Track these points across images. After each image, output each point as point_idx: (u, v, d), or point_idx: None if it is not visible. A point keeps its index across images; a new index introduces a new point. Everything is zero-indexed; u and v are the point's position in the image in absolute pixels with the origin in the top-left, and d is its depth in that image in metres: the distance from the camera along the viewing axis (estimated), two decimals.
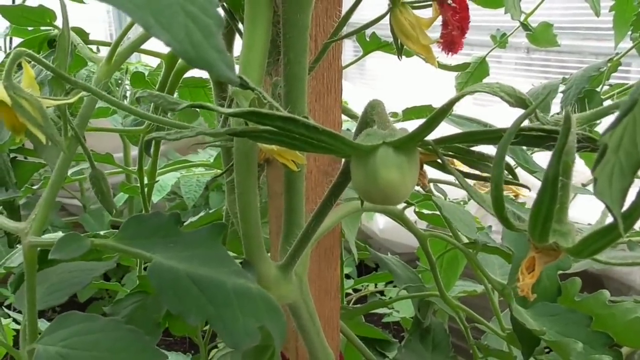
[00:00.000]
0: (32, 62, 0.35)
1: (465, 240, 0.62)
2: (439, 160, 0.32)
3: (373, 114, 0.33)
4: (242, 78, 0.33)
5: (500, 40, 0.97)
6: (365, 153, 0.30)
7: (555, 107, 0.90)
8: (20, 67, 0.34)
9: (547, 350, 0.54)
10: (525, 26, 0.87)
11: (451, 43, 0.38)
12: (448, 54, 0.38)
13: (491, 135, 0.27)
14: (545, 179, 0.23)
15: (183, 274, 0.33)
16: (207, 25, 0.20)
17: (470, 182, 0.37)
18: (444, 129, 0.31)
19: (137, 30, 0.49)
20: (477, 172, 0.33)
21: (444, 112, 0.28)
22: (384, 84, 2.70)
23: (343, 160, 0.35)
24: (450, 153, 0.32)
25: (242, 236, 0.39)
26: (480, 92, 0.30)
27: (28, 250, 0.37)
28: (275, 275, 0.41)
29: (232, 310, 0.32)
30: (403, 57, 0.66)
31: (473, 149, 0.32)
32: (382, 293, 1.36)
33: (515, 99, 0.27)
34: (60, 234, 0.70)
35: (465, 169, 0.33)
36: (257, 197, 0.40)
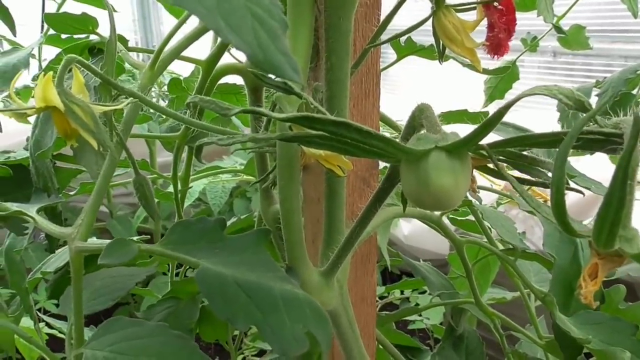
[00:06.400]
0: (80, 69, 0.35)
1: (500, 247, 0.61)
2: (489, 165, 0.32)
3: (422, 118, 0.33)
4: (286, 83, 0.33)
5: (531, 44, 0.96)
6: (416, 157, 0.29)
7: None
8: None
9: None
10: (558, 29, 0.86)
11: (498, 46, 0.37)
12: (494, 57, 0.38)
13: (549, 138, 0.27)
14: (613, 182, 0.22)
15: (231, 280, 0.33)
16: (273, 28, 0.20)
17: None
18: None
19: (175, 39, 0.49)
20: (528, 177, 0.32)
21: (500, 115, 0.27)
22: (406, 89, 2.69)
23: (388, 165, 0.35)
24: (501, 157, 0.31)
25: (285, 242, 0.39)
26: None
27: (75, 255, 0.37)
28: (317, 281, 0.40)
29: (279, 316, 0.32)
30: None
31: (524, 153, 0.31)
32: (407, 300, 1.35)
33: (574, 102, 0.27)
34: (94, 239, 0.71)
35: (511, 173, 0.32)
36: (300, 202, 0.40)
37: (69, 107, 0.32)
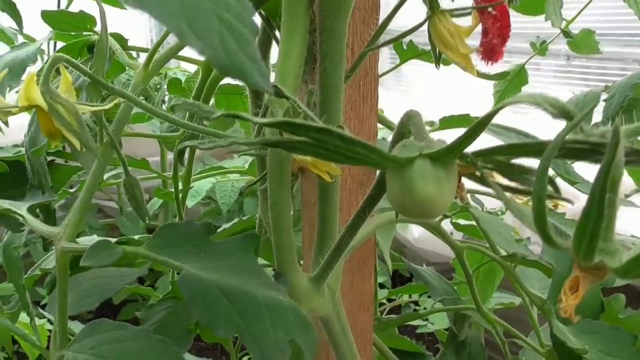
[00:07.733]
0: (71, 68, 0.35)
1: (504, 252, 0.60)
2: (477, 173, 0.31)
3: (410, 125, 0.32)
4: (277, 87, 0.33)
5: (541, 48, 0.95)
6: (401, 165, 0.29)
7: (597, 115, 0.87)
8: (58, 72, 0.34)
9: None
10: (566, 33, 0.85)
11: (491, 51, 0.36)
12: (488, 62, 0.37)
13: (533, 148, 0.26)
14: (591, 194, 0.22)
15: (213, 285, 0.32)
16: (241, 34, 0.19)
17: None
18: (482, 138, 0.30)
19: (175, 37, 0.49)
20: (517, 185, 0.32)
21: (483, 124, 0.27)
22: (420, 91, 2.68)
23: (378, 171, 0.35)
24: (490, 165, 0.31)
25: (274, 246, 0.39)
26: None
27: (60, 255, 0.37)
28: (307, 287, 0.40)
29: (262, 323, 0.32)
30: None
31: (513, 161, 0.31)
32: (416, 303, 1.34)
33: (559, 110, 0.26)
34: (95, 237, 0.71)
35: (499, 180, 0.32)
36: (290, 207, 0.39)
37: (52, 107, 0.31)
